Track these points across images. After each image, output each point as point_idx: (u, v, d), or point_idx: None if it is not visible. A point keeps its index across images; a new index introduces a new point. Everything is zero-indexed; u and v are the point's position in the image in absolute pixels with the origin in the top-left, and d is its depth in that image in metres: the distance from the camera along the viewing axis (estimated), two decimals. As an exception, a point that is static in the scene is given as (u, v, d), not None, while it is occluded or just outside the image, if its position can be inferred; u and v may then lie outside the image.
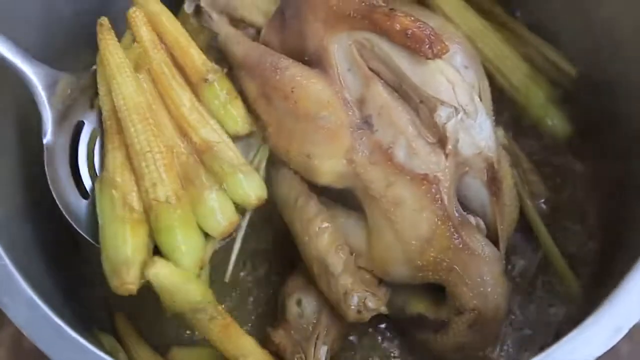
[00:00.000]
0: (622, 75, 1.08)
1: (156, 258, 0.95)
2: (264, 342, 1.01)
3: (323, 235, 0.97)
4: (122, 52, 0.96)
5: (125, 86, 0.94)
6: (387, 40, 0.93)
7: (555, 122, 1.16)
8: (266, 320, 1.10)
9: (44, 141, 0.95)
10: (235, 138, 1.01)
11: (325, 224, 0.98)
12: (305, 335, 1.01)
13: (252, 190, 0.96)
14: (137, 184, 0.93)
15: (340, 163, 0.95)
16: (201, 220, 0.94)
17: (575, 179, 1.16)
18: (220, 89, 1.01)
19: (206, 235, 0.95)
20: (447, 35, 0.98)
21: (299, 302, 1.03)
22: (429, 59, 0.90)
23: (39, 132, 0.96)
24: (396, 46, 0.92)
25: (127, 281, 0.88)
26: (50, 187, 0.95)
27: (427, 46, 0.89)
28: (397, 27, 0.90)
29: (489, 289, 0.93)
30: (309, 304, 1.02)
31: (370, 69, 0.95)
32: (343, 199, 1.00)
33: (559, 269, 1.09)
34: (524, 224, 1.09)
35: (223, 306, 1.05)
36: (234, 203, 0.96)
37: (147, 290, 0.99)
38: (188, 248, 0.91)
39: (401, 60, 0.92)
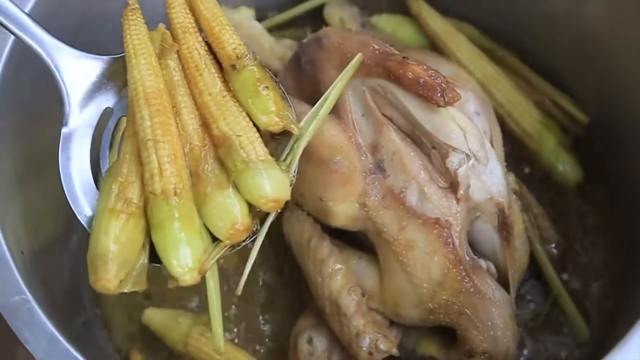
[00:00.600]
0: (633, 122, 1.09)
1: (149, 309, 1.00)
2: None
3: (336, 276, 0.98)
4: (143, 33, 0.89)
5: (139, 68, 0.86)
6: (400, 88, 0.94)
7: (566, 167, 1.17)
8: (276, 357, 1.11)
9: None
10: (271, 135, 0.88)
11: (338, 266, 0.99)
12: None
13: (270, 189, 0.81)
14: (141, 176, 0.84)
15: (353, 206, 0.96)
16: (207, 221, 0.82)
17: (585, 223, 1.17)
18: (250, 78, 0.87)
19: (215, 238, 0.83)
20: (460, 83, 1.00)
21: (310, 341, 1.03)
22: (441, 106, 0.92)
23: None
24: (409, 93, 0.94)
25: (103, 277, 0.78)
26: (61, 173, 0.88)
27: (439, 94, 0.91)
28: (410, 75, 0.92)
29: (499, 333, 0.94)
30: (320, 343, 1.03)
31: (384, 115, 0.97)
32: (355, 240, 1.02)
33: (569, 313, 1.09)
34: (534, 268, 1.10)
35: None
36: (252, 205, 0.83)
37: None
38: (182, 249, 0.78)
39: (414, 107, 0.94)
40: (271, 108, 0.86)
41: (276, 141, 0.88)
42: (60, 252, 1.10)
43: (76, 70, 0.89)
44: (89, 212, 0.86)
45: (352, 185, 0.96)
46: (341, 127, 0.97)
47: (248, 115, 0.87)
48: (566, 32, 1.16)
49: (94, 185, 0.88)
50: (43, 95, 1.01)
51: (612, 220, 1.15)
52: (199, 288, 1.12)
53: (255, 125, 0.86)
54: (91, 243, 0.80)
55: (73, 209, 0.86)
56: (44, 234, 1.03)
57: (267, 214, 0.85)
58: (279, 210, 0.84)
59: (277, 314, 1.14)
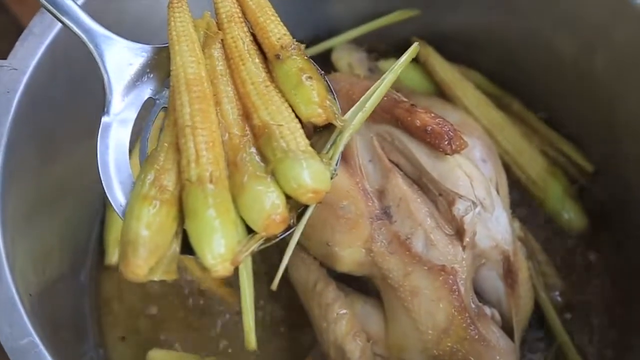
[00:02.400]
0: (638, 170, 1.11)
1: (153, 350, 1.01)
2: None
3: (341, 321, 0.98)
4: (188, 20, 0.88)
5: (181, 55, 0.85)
6: (408, 135, 0.95)
7: (571, 215, 1.18)
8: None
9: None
10: (314, 129, 0.87)
11: (343, 310, 0.99)
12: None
13: (310, 180, 0.77)
14: (178, 164, 0.81)
15: (359, 252, 0.96)
16: (242, 211, 0.78)
17: (590, 271, 1.17)
18: (293, 67, 0.86)
19: (250, 231, 0.79)
20: (466, 130, 1.02)
21: (314, 385, 1.04)
22: (448, 154, 0.93)
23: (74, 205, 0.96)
24: (416, 140, 0.95)
25: (132, 262, 0.75)
26: (98, 162, 0.86)
27: (446, 142, 0.92)
28: (418, 123, 0.93)
29: (504, 381, 0.94)
30: (325, 387, 1.03)
31: (391, 161, 0.97)
32: (361, 284, 1.02)
33: (572, 362, 1.09)
34: (538, 316, 1.10)
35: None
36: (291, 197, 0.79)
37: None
38: (216, 238, 0.75)
39: (421, 154, 0.95)
40: (314, 99, 0.84)
41: (319, 134, 0.87)
42: (66, 292, 1.11)
43: (120, 59, 0.88)
44: (123, 201, 0.84)
45: (359, 231, 0.96)
46: (348, 172, 0.98)
47: (290, 106, 0.85)
48: (573, 81, 1.17)
49: (131, 175, 0.86)
50: (57, 130, 1.03)
51: (617, 267, 1.16)
52: (205, 328, 1.14)
53: (297, 116, 0.84)
54: (123, 229, 0.78)
55: (109, 198, 0.84)
56: (50, 273, 1.03)
57: (305, 208, 0.82)
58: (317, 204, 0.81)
59: (283, 357, 1.14)
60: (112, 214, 1.21)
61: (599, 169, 1.20)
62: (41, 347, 0.83)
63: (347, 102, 0.99)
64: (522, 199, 1.19)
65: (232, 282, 1.18)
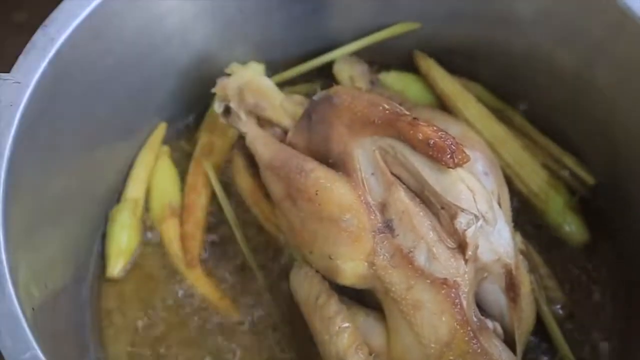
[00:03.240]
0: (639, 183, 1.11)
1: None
2: None
3: (343, 334, 0.98)
4: None
5: None
6: (410, 148, 0.95)
7: (572, 228, 1.18)
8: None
9: None
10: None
11: (346, 324, 0.98)
12: None
13: None
14: None
15: (361, 265, 0.96)
16: None
17: (591, 284, 1.17)
18: None
19: None
20: (468, 143, 1.01)
21: (317, 399, 1.03)
22: (450, 167, 0.92)
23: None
24: (418, 154, 0.94)
25: None
26: None
27: (449, 156, 0.92)
28: (420, 136, 0.93)
29: (506, 395, 0.94)
30: (327, 401, 1.03)
31: (393, 174, 0.97)
32: (363, 298, 1.02)
33: (574, 375, 1.09)
34: (540, 329, 1.10)
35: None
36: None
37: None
38: None
39: (423, 167, 0.94)
40: None
41: None
42: (68, 305, 1.10)
43: None
44: None
45: (361, 244, 0.96)
46: (351, 185, 0.98)
47: None
48: (574, 94, 1.17)
49: None
50: (60, 145, 1.03)
51: (619, 280, 1.16)
52: (207, 342, 1.14)
53: None
54: None
55: None
56: (53, 287, 1.03)
57: None
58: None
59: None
60: (112, 228, 1.21)
61: (600, 181, 1.20)
62: (38, 350, 0.83)
63: (349, 115, 1.00)
64: (524, 212, 1.19)
65: (229, 296, 1.18)
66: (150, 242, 1.23)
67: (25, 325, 0.85)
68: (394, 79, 1.29)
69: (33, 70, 0.96)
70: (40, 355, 0.83)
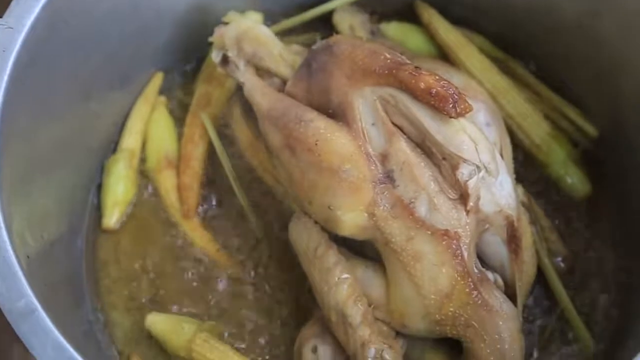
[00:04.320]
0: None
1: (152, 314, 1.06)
2: None
3: (342, 285, 0.98)
4: None
5: None
6: (411, 97, 0.94)
7: (574, 180, 1.17)
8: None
9: None
10: None
11: (345, 275, 0.98)
12: None
13: None
14: None
15: (361, 216, 0.95)
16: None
17: (593, 236, 1.17)
18: None
19: None
20: (470, 93, 1.00)
21: (314, 350, 1.02)
22: (453, 117, 0.91)
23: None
24: (420, 103, 0.93)
25: None
26: None
27: (451, 105, 0.91)
28: (422, 85, 0.92)
29: (506, 346, 0.94)
30: (325, 352, 1.02)
31: (394, 124, 0.96)
32: (362, 249, 1.01)
33: (575, 326, 1.09)
34: (541, 281, 1.10)
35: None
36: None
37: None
38: None
39: (425, 117, 0.93)
40: None
41: None
42: (63, 256, 1.10)
43: None
44: None
45: (361, 194, 0.95)
46: (351, 135, 0.97)
47: None
48: (577, 44, 1.16)
49: None
50: (52, 94, 1.02)
51: (620, 232, 1.15)
52: (203, 293, 1.13)
53: None
54: None
55: None
56: (48, 237, 1.03)
57: None
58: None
59: (283, 323, 1.13)
60: (108, 178, 1.20)
61: (602, 133, 1.19)
62: (40, 309, 0.83)
63: (349, 64, 0.99)
64: (526, 164, 1.19)
65: (225, 247, 1.18)
66: (146, 193, 1.22)
67: (20, 272, 0.84)
68: (394, 29, 1.28)
69: (26, 15, 0.95)
70: (35, 302, 0.83)
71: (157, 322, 1.10)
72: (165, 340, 1.10)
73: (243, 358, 1.07)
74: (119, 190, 1.19)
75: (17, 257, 0.85)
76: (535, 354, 1.08)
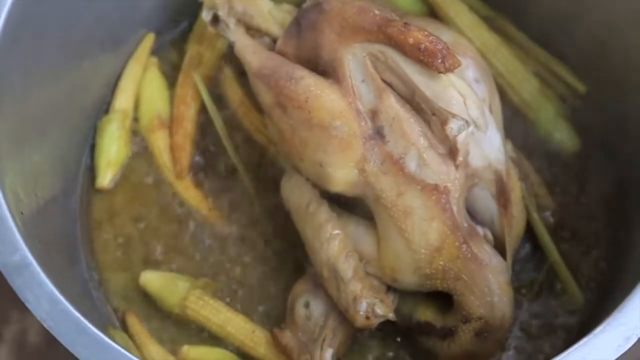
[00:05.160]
0: (632, 91, 1.10)
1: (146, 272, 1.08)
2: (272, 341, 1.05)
3: (334, 241, 0.99)
4: None
5: None
6: (401, 54, 0.94)
7: (563, 136, 1.18)
8: (273, 320, 1.11)
9: None
10: None
11: (336, 231, 0.99)
12: (312, 337, 1.02)
13: None
14: None
15: (352, 172, 0.96)
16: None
17: (581, 192, 1.17)
18: None
19: None
20: (459, 50, 1.01)
21: (307, 305, 1.04)
22: (441, 72, 0.92)
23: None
24: (409, 59, 0.93)
25: None
26: None
27: (440, 60, 0.91)
28: (411, 41, 0.92)
29: (496, 299, 0.95)
30: (317, 307, 1.03)
31: (384, 81, 0.96)
32: (353, 206, 1.02)
33: (564, 280, 1.10)
34: (530, 235, 1.11)
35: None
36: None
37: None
38: None
39: (414, 73, 0.94)
40: None
41: None
42: (58, 215, 1.11)
43: None
44: None
45: (352, 151, 0.95)
46: (341, 92, 0.97)
47: None
48: (566, 2, 1.16)
49: None
50: (44, 53, 1.02)
51: (609, 189, 1.16)
52: (196, 252, 1.14)
53: None
54: None
55: None
56: (42, 196, 1.03)
57: None
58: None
59: (276, 279, 1.14)
60: (101, 139, 1.20)
61: (591, 90, 1.19)
62: (34, 263, 0.84)
63: (339, 21, 0.99)
64: (515, 120, 1.19)
65: (218, 206, 1.18)
66: (139, 153, 1.22)
67: (14, 227, 0.85)
68: (384, -13, 1.27)
69: (16, -26, 0.95)
70: (30, 256, 0.84)
71: (151, 279, 1.12)
72: (160, 297, 1.11)
73: (236, 314, 1.08)
74: (112, 150, 1.19)
75: (10, 212, 0.86)
76: (524, 307, 1.09)
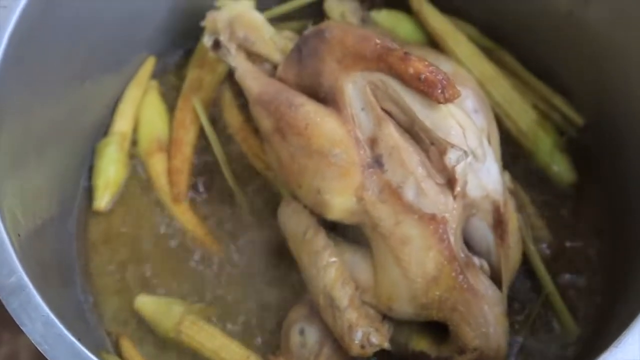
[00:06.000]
0: (630, 124, 1.10)
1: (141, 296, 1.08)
2: None
3: (330, 269, 0.98)
4: None
5: None
6: (401, 83, 0.94)
7: (560, 168, 1.18)
8: (269, 349, 1.10)
9: None
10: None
11: (333, 259, 0.99)
12: None
13: None
14: None
15: (350, 200, 0.96)
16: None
17: (578, 224, 1.17)
18: None
19: None
20: (459, 80, 1.01)
21: (302, 332, 1.03)
22: (441, 103, 0.92)
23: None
24: (409, 89, 0.94)
25: None
26: None
27: (440, 90, 0.91)
28: (411, 70, 0.92)
29: (491, 330, 0.95)
30: (312, 334, 1.03)
31: (383, 110, 0.97)
32: (351, 234, 1.02)
33: (559, 312, 1.10)
34: (527, 267, 1.11)
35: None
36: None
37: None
38: None
39: (414, 103, 0.94)
40: None
41: None
42: (55, 237, 1.11)
43: None
44: None
45: (350, 179, 0.96)
46: (341, 120, 0.97)
47: None
48: (566, 33, 1.16)
49: None
50: (46, 73, 1.02)
51: (605, 221, 1.16)
52: (192, 277, 1.14)
53: None
54: None
55: None
56: (40, 217, 1.03)
57: None
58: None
59: (272, 306, 1.14)
60: (100, 161, 1.20)
61: (589, 122, 1.20)
62: (30, 286, 0.83)
63: (341, 49, 0.99)
64: (512, 152, 1.19)
65: (215, 231, 1.18)
66: (137, 176, 1.22)
67: (10, 249, 0.85)
68: (385, 17, 1.28)
69: (20, -5, 0.95)
70: (26, 278, 0.83)
71: (146, 303, 1.11)
72: (154, 322, 1.10)
73: (230, 340, 1.08)
74: (110, 172, 1.20)
75: (8, 234, 0.86)
76: (519, 339, 1.09)
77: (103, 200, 1.19)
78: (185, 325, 1.07)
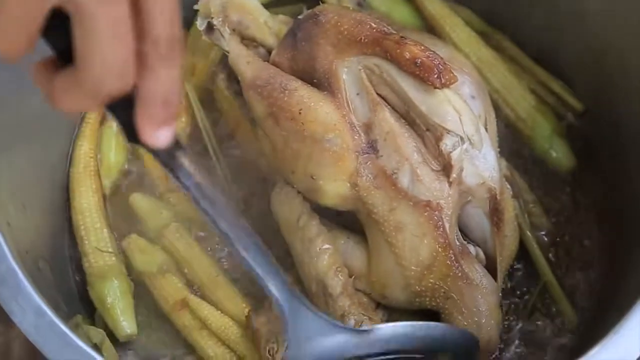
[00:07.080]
0: (629, 110, 1.10)
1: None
2: (245, 322, 1.04)
3: (323, 256, 0.98)
4: None
5: None
6: (397, 68, 0.93)
7: (559, 154, 1.17)
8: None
9: None
10: None
11: (326, 245, 0.98)
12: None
13: None
14: None
15: (344, 186, 0.95)
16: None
17: (576, 211, 1.16)
18: None
19: None
20: (456, 65, 1.00)
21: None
22: (437, 88, 0.91)
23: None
24: (405, 74, 0.93)
25: None
26: None
27: (436, 75, 0.90)
28: (407, 55, 0.91)
29: (484, 320, 0.94)
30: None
31: (379, 95, 0.96)
32: (344, 221, 1.01)
33: (557, 300, 1.09)
34: (524, 255, 1.10)
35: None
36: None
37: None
38: None
39: (409, 88, 0.93)
40: None
41: None
42: (45, 225, 1.09)
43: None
44: None
45: (344, 164, 0.95)
46: (335, 105, 0.96)
47: None
48: (565, 18, 1.15)
49: None
50: (32, 61, 1.00)
51: (604, 208, 1.15)
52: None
53: None
54: None
55: None
56: (30, 208, 1.02)
57: None
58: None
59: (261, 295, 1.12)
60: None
61: (588, 108, 1.19)
62: (20, 275, 0.83)
63: (335, 34, 0.98)
64: (510, 138, 1.18)
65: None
66: (131, 166, 1.21)
67: (0, 237, 0.84)
68: (380, 1, 1.26)
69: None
70: (16, 267, 0.83)
71: (140, 201, 1.15)
72: (144, 218, 1.14)
73: (206, 255, 1.11)
74: (103, 161, 1.19)
75: None
76: (517, 327, 1.08)
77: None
78: (170, 230, 1.12)
